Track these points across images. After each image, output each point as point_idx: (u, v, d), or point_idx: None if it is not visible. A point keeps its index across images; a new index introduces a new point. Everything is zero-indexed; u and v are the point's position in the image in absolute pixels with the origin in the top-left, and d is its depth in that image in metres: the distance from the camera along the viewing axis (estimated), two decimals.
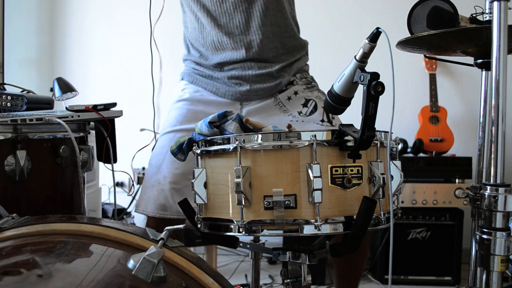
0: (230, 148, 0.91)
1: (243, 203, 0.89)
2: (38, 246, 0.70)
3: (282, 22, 1.55)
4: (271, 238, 1.04)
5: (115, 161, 1.22)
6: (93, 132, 1.18)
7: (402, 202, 2.43)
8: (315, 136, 0.87)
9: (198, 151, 0.99)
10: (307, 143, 0.87)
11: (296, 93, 1.59)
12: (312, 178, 0.85)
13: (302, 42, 1.66)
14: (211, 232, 0.97)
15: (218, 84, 1.57)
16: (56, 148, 1.00)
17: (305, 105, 1.57)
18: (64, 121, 0.96)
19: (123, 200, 2.89)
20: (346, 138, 0.89)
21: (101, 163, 1.23)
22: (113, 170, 1.31)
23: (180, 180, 1.50)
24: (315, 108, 1.57)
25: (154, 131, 2.72)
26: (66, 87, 2.00)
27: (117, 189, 3.22)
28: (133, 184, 2.79)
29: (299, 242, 1.04)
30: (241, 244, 1.07)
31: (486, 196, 1.01)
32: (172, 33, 3.24)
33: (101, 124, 1.16)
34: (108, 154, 1.19)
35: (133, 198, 2.85)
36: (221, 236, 0.98)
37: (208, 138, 0.98)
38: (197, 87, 1.63)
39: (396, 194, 0.97)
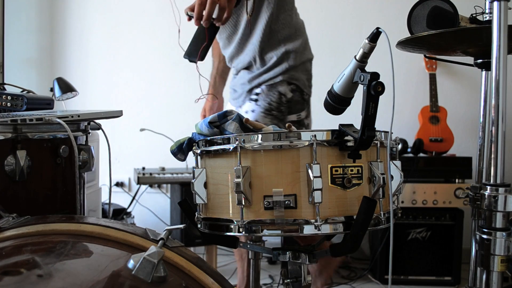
0: (230, 148, 0.91)
1: (243, 203, 0.89)
2: (38, 246, 0.70)
3: None
4: (271, 238, 1.04)
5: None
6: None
7: (402, 202, 2.43)
8: (315, 136, 0.87)
9: (198, 151, 0.99)
10: (307, 143, 0.87)
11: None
12: (312, 178, 0.85)
13: None
14: (211, 232, 0.98)
15: None
16: (56, 148, 1.00)
17: None
18: (64, 121, 0.96)
19: (123, 200, 2.89)
20: (346, 138, 0.89)
21: (101, 163, 1.23)
22: (110, 170, 1.31)
23: None
24: None
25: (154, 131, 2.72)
26: (66, 87, 1.99)
27: (117, 189, 3.22)
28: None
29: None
30: (241, 244, 1.07)
31: (486, 196, 1.01)
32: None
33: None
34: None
35: (133, 198, 2.85)
36: (221, 236, 0.97)
37: (208, 138, 0.98)
38: None
39: (396, 194, 0.97)
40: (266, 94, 1.62)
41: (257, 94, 1.65)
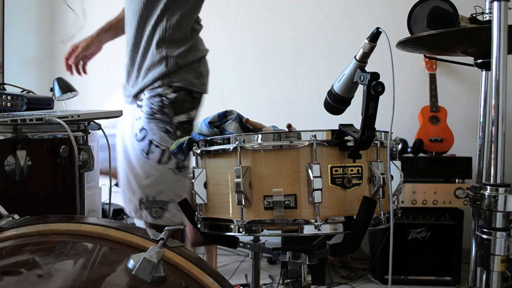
0: (230, 148, 0.91)
1: (243, 203, 0.89)
2: (38, 246, 0.70)
3: None
4: (271, 238, 1.04)
5: None
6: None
7: (402, 202, 2.43)
8: (315, 136, 0.87)
9: (198, 151, 0.99)
10: (307, 143, 0.87)
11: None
12: (312, 178, 0.85)
13: None
14: (211, 232, 0.98)
15: None
16: (56, 148, 1.00)
17: None
18: (64, 121, 0.96)
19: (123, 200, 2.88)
20: (346, 138, 0.89)
21: (101, 164, 1.23)
22: (110, 170, 1.32)
23: None
24: None
25: None
26: (66, 87, 1.99)
27: (118, 189, 3.21)
28: None
29: (299, 242, 1.04)
30: (241, 244, 1.07)
31: (486, 196, 1.01)
32: None
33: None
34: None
35: None
36: (221, 236, 0.98)
37: (208, 138, 0.98)
38: None
39: (396, 194, 0.97)
40: (147, 98, 1.62)
41: (141, 100, 1.65)
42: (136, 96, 1.67)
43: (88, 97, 3.16)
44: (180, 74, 1.61)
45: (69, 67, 1.84)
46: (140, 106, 1.64)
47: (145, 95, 1.63)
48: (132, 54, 1.69)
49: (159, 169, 1.60)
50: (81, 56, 1.84)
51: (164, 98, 1.59)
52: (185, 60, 1.62)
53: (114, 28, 1.90)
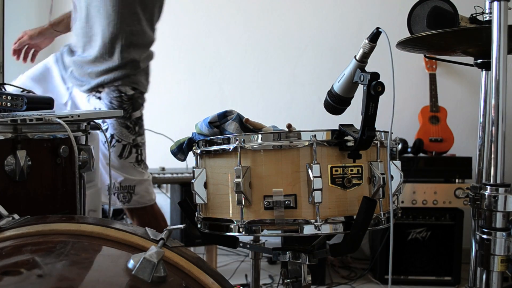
0: (230, 148, 0.91)
1: (243, 203, 0.89)
2: (38, 246, 0.70)
3: None
4: (271, 238, 1.04)
5: None
6: None
7: (402, 202, 2.43)
8: (315, 136, 0.87)
9: (198, 151, 0.99)
10: (307, 143, 0.87)
11: None
12: (312, 178, 0.85)
13: None
14: (211, 232, 0.98)
15: None
16: (56, 148, 1.00)
17: None
18: (64, 121, 0.96)
19: None
20: (346, 138, 0.89)
21: (101, 164, 1.23)
22: (110, 170, 1.32)
23: None
24: None
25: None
26: None
27: None
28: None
29: (299, 242, 1.04)
30: (241, 244, 1.07)
31: (486, 196, 1.01)
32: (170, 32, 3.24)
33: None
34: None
35: None
36: (221, 236, 0.98)
37: (208, 138, 0.98)
38: None
39: (396, 194, 0.97)
40: (107, 93, 1.68)
41: (100, 92, 1.69)
42: (94, 88, 1.70)
43: None
44: (137, 76, 1.71)
45: (15, 52, 1.90)
46: (99, 98, 1.69)
47: (105, 88, 1.68)
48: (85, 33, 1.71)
49: (120, 162, 1.69)
50: (26, 43, 1.90)
51: (123, 95, 1.67)
52: (145, 64, 1.75)
53: (65, 23, 1.95)
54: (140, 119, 1.73)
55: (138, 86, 1.70)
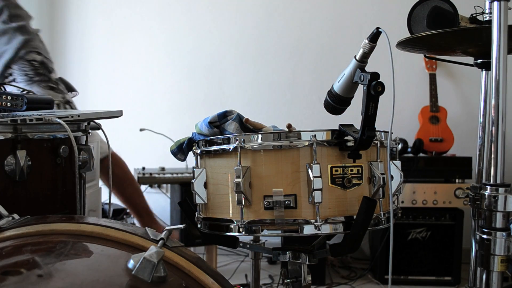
0: (230, 148, 0.91)
1: (243, 203, 0.89)
2: (38, 246, 0.70)
3: None
4: (271, 238, 1.04)
5: None
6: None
7: (402, 202, 2.43)
8: (315, 136, 0.87)
9: (198, 151, 0.99)
10: (307, 143, 0.87)
11: None
12: (312, 178, 0.85)
13: None
14: (211, 232, 0.98)
15: None
16: (56, 148, 1.00)
17: None
18: (64, 121, 0.96)
19: None
20: (346, 138, 0.89)
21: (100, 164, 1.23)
22: (110, 170, 1.31)
23: None
24: None
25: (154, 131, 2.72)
26: (66, 87, 2.00)
27: None
28: None
29: (299, 242, 1.04)
30: (241, 244, 1.07)
31: (486, 196, 1.01)
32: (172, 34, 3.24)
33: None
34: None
35: None
36: (221, 236, 0.98)
37: (208, 138, 0.98)
38: None
39: (396, 194, 0.97)
40: (18, 69, 1.65)
41: (10, 74, 1.66)
42: (3, 74, 1.69)
43: (88, 97, 3.16)
44: (34, 41, 1.67)
45: None
46: (14, 80, 1.66)
47: (13, 68, 1.65)
48: None
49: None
50: None
51: (33, 62, 1.65)
52: (35, 29, 1.70)
53: None
54: (59, 79, 1.71)
55: (40, 50, 1.68)
